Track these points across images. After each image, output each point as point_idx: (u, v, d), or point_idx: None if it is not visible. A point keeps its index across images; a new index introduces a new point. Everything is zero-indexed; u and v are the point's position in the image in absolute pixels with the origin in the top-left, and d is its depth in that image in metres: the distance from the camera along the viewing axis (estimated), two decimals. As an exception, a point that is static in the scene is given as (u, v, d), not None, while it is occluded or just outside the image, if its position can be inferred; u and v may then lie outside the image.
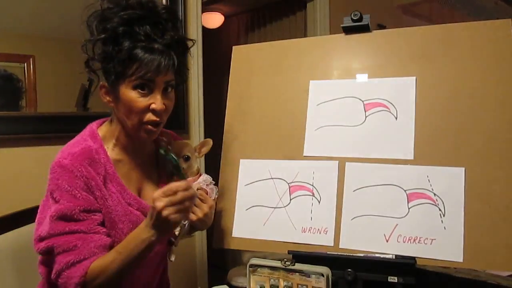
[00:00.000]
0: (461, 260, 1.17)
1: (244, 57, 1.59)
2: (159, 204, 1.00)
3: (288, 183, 1.39)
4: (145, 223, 1.06)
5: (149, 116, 1.14)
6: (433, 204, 1.23)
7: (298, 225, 1.34)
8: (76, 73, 1.53)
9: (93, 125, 1.24)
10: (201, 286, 2.40)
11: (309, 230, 1.32)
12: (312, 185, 1.36)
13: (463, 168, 1.22)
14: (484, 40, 1.28)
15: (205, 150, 1.36)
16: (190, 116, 2.42)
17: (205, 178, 1.33)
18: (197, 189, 1.26)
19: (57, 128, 1.79)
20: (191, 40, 1.26)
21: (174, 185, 1.01)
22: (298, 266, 1.20)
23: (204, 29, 2.55)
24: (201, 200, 1.24)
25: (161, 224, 1.02)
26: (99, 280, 1.07)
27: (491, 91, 1.25)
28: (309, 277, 1.25)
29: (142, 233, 1.06)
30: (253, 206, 1.41)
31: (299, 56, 1.50)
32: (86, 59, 1.17)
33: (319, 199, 1.34)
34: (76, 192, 1.10)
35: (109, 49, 1.09)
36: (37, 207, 1.22)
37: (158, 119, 1.15)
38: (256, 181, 1.43)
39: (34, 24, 1.81)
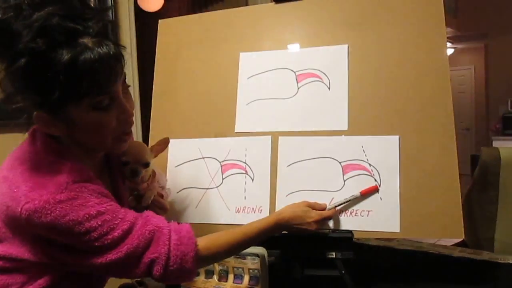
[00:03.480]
0: (398, 230, 1.14)
1: (171, 31, 1.49)
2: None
3: (220, 162, 1.31)
4: (281, 222, 1.07)
5: (121, 127, 0.93)
6: (368, 175, 1.19)
7: (232, 206, 1.27)
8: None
9: (36, 143, 0.92)
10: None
11: (243, 210, 1.26)
12: (245, 163, 1.29)
13: (398, 136, 1.19)
14: (416, 5, 1.25)
15: (162, 149, 1.19)
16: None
17: (160, 180, 1.20)
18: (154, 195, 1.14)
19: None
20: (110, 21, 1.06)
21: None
22: (231, 248, 1.12)
23: (142, 12, 2.39)
24: (158, 207, 1.14)
25: (291, 230, 1.10)
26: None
27: (424, 57, 1.22)
28: (244, 258, 1.19)
29: (276, 228, 1.07)
30: (184, 189, 1.33)
31: (228, 27, 1.41)
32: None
33: (252, 177, 1.27)
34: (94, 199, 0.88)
35: (35, 73, 0.80)
36: None
37: (130, 127, 0.97)
38: (187, 162, 1.35)
39: None
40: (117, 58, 0.86)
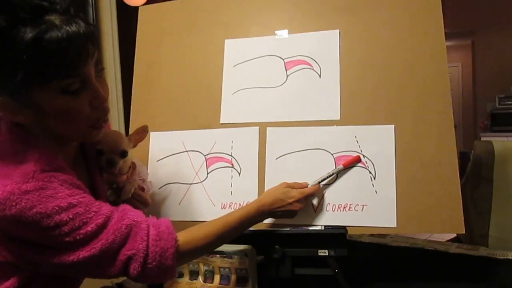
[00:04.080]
0: (394, 225, 1.08)
1: (153, 18, 1.40)
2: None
3: (205, 155, 1.23)
4: (263, 208, 1.02)
5: (96, 114, 0.85)
6: (363, 167, 1.12)
7: (217, 201, 1.19)
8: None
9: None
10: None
11: (229, 205, 1.18)
12: (231, 156, 1.21)
13: (393, 126, 1.12)
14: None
15: (141, 139, 1.10)
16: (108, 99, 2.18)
17: (140, 173, 1.12)
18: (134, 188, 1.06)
19: None
20: None
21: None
22: (217, 247, 1.04)
23: (127, 7, 2.29)
24: (139, 201, 1.06)
25: (275, 215, 1.07)
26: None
27: (420, 42, 1.16)
28: (231, 258, 1.11)
29: (259, 215, 1.01)
30: (166, 184, 1.25)
31: (213, 13, 1.34)
32: None
33: (239, 171, 1.19)
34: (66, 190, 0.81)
35: None
36: None
37: (106, 114, 0.89)
38: (169, 156, 1.27)
39: None
40: (88, 37, 0.79)
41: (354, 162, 1.12)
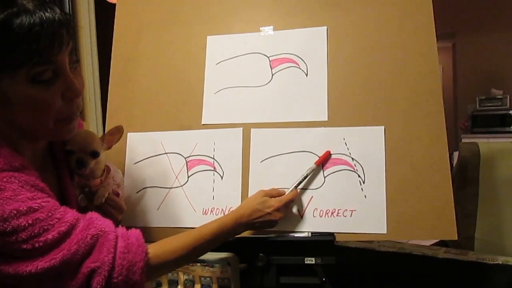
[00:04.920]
0: (384, 231, 1.04)
1: (131, 12, 1.33)
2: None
3: (185, 158, 1.17)
4: (240, 220, 0.96)
5: (68, 109, 0.80)
6: (351, 171, 1.07)
7: (199, 207, 1.13)
8: None
9: None
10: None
11: (211, 211, 1.12)
12: (213, 158, 1.15)
13: (383, 127, 1.08)
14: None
15: (115, 140, 1.03)
16: (85, 96, 2.09)
17: (115, 177, 1.05)
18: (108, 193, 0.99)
19: None
20: None
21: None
22: (198, 255, 0.98)
23: (107, 4, 2.20)
24: (113, 207, 0.98)
25: (253, 227, 1.00)
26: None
27: (410, 40, 1.12)
28: (212, 266, 1.06)
29: (236, 227, 0.96)
30: (144, 188, 1.18)
31: (195, 7, 1.28)
32: None
33: (221, 174, 1.13)
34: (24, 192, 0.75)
35: None
36: None
37: (79, 109, 0.84)
38: (147, 158, 1.20)
39: None
40: (63, 25, 0.75)
41: (325, 159, 1.08)
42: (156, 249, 0.82)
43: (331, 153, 1.08)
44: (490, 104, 5.24)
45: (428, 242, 1.65)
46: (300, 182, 1.06)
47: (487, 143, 1.75)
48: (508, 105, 5.07)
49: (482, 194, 1.70)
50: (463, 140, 5.22)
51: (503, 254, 1.38)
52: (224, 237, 0.94)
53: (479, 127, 5.25)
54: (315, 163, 1.07)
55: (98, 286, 0.73)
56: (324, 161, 1.08)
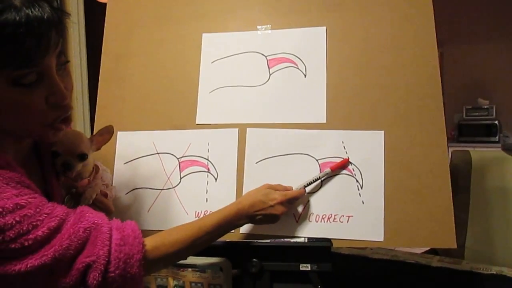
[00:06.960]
0: (381, 239, 1.01)
1: (122, 8, 1.29)
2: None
3: (178, 158, 1.13)
4: (242, 212, 0.94)
5: (54, 113, 0.76)
6: (349, 175, 1.04)
7: (191, 209, 1.09)
8: None
9: None
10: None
11: (204, 214, 1.08)
12: (207, 159, 1.11)
13: (382, 132, 1.05)
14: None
15: (105, 140, 0.98)
16: (73, 96, 2.03)
17: (103, 177, 1.00)
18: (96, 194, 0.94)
19: None
20: None
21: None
22: (189, 259, 0.97)
23: (98, 4, 2.15)
24: (101, 208, 0.93)
25: (254, 219, 0.96)
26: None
27: (410, 43, 1.11)
28: (204, 272, 1.02)
29: (236, 220, 0.93)
30: (134, 189, 1.14)
31: (190, 4, 1.25)
32: None
33: (216, 176, 1.10)
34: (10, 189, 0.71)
35: None
36: None
37: (66, 113, 0.79)
38: (138, 158, 1.15)
39: None
40: (52, 25, 0.69)
41: (342, 165, 1.05)
42: (155, 241, 0.79)
43: (329, 156, 1.06)
44: (477, 113, 5.28)
45: (419, 250, 1.63)
46: (310, 183, 1.04)
47: (479, 152, 1.76)
48: (494, 115, 5.11)
49: (474, 203, 1.69)
50: (449, 149, 5.23)
51: (492, 263, 1.37)
52: (226, 229, 0.91)
53: (465, 136, 5.29)
54: (330, 168, 1.04)
55: (95, 282, 0.70)
56: (340, 167, 1.05)
